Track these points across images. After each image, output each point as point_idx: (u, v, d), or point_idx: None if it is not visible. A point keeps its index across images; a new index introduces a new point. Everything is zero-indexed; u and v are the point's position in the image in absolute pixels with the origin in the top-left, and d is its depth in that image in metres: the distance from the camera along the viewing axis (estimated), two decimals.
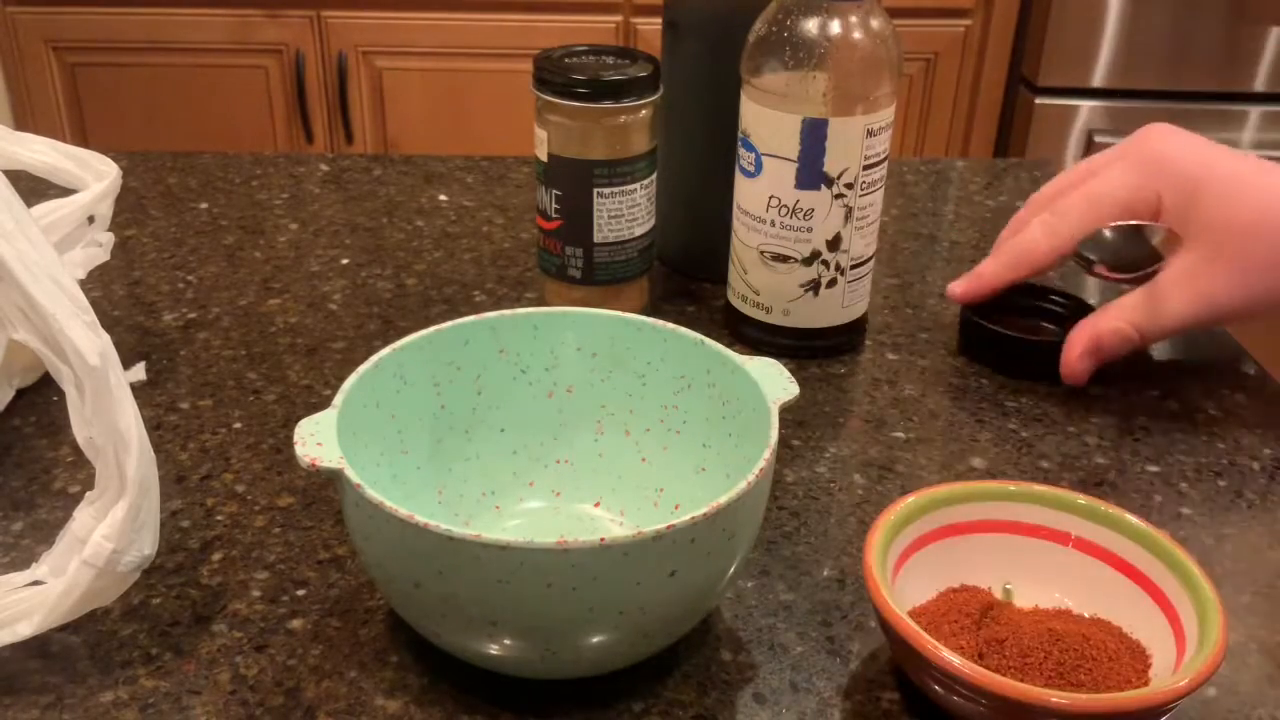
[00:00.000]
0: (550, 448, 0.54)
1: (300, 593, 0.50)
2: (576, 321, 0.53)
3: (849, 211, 0.63)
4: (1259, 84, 1.75)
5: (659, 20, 0.75)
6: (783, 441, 0.60)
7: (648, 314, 0.71)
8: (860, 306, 0.68)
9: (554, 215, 0.66)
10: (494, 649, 0.43)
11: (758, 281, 0.66)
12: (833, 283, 0.65)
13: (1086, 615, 0.47)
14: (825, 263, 0.65)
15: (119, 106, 1.80)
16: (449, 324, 0.51)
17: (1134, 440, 0.62)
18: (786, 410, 0.63)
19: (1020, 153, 1.79)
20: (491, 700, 0.45)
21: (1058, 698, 0.39)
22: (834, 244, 0.64)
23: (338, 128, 1.81)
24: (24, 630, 0.44)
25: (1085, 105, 1.76)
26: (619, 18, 1.75)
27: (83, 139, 1.82)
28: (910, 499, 0.48)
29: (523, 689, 0.45)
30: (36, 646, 0.46)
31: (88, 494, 0.44)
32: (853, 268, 0.65)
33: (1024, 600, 0.48)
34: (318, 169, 0.91)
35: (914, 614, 0.46)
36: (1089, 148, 1.76)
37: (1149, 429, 0.63)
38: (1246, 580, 0.52)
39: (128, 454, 0.43)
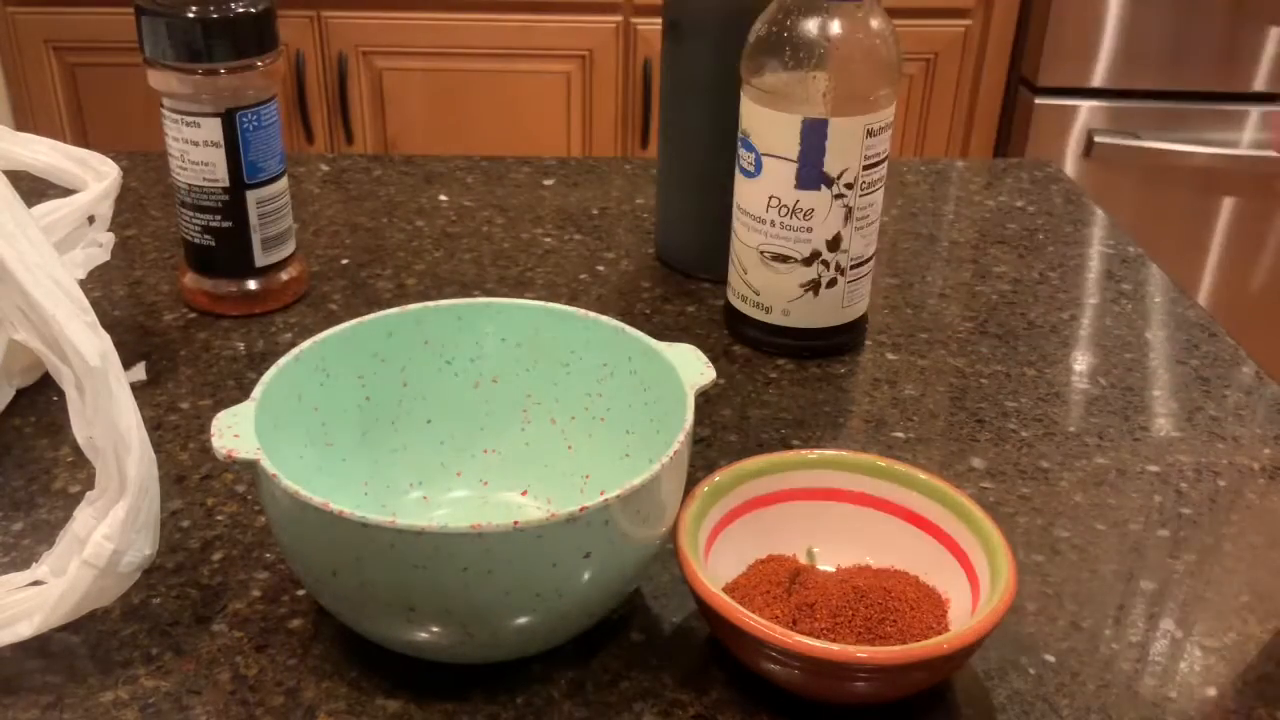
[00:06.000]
0: (477, 438, 0.55)
1: (300, 593, 0.50)
2: (500, 312, 0.54)
3: (849, 211, 0.63)
4: (1259, 84, 1.75)
5: (659, 20, 0.75)
6: (783, 441, 0.61)
7: (648, 314, 0.71)
8: (860, 306, 0.68)
9: None
10: (413, 634, 0.43)
11: (758, 281, 0.66)
12: (833, 283, 0.65)
13: (884, 567, 0.49)
14: (825, 263, 0.65)
15: (119, 106, 1.80)
16: (371, 316, 0.52)
17: (1134, 440, 0.62)
18: (786, 410, 0.63)
19: (1020, 153, 1.79)
20: (493, 700, 0.45)
21: (862, 653, 0.41)
22: (834, 244, 0.64)
23: (338, 128, 1.81)
24: (24, 630, 0.44)
25: (1085, 105, 1.76)
26: (619, 18, 1.75)
27: (83, 139, 1.82)
28: (715, 477, 0.49)
29: (522, 690, 0.45)
30: (36, 646, 0.46)
31: (88, 494, 0.44)
32: (853, 268, 0.65)
33: (827, 561, 0.50)
34: (318, 169, 0.91)
35: (727, 589, 0.47)
36: (1089, 147, 1.76)
37: (1148, 429, 0.63)
38: (1246, 580, 0.52)
39: (128, 454, 0.43)
